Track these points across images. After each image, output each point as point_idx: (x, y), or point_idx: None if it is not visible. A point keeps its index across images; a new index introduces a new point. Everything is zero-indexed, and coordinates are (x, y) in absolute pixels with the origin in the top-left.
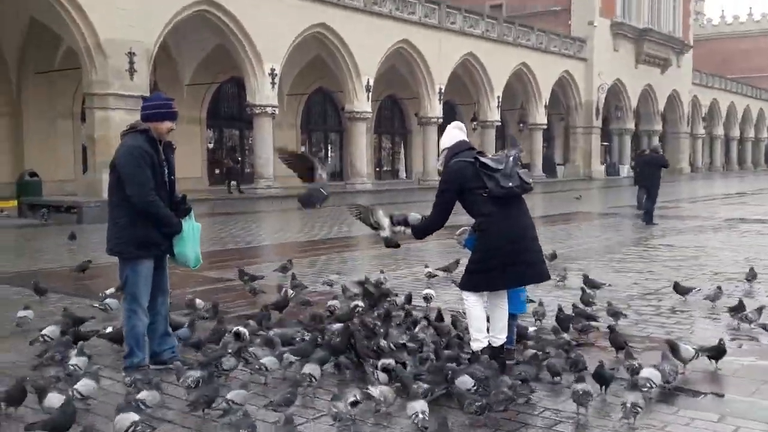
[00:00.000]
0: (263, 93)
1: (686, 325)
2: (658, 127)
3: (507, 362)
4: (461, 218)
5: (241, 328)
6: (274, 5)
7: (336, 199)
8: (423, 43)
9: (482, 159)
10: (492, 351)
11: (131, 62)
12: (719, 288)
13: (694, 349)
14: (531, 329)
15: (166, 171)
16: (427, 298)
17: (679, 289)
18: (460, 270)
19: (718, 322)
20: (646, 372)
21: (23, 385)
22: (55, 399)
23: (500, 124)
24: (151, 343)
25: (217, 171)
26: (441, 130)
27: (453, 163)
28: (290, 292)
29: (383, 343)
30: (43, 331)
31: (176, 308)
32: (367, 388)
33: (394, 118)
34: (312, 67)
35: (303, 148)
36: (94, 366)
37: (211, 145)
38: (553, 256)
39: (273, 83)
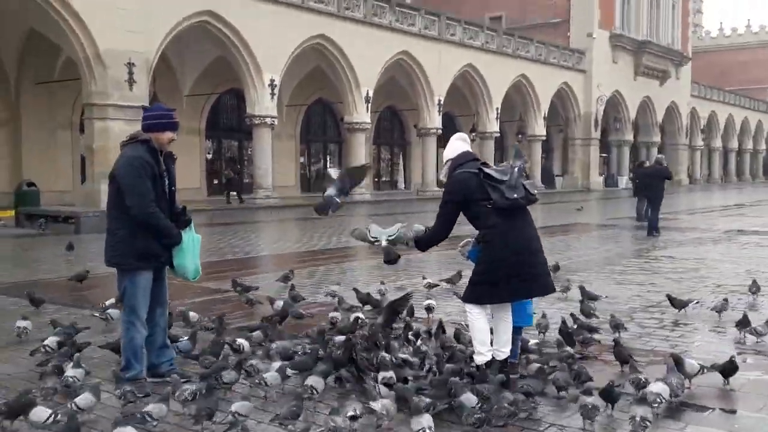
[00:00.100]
0: (263, 104)
1: (690, 338)
2: (657, 138)
3: (511, 376)
4: (464, 228)
5: (240, 340)
6: (274, 16)
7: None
8: (423, 55)
9: (486, 170)
10: (496, 364)
11: (131, 73)
12: (725, 300)
13: (699, 364)
14: (532, 342)
15: (167, 182)
16: (429, 309)
17: (675, 303)
18: (463, 282)
19: (723, 336)
20: (655, 386)
21: (27, 398)
22: (41, 413)
23: (499, 135)
24: (149, 355)
25: (215, 181)
26: (440, 141)
27: (457, 173)
28: (279, 303)
29: (384, 356)
30: (45, 342)
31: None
32: (369, 403)
33: (394, 129)
34: (311, 78)
35: (302, 159)
36: (95, 380)
37: (210, 156)
38: (556, 268)
39: (273, 94)
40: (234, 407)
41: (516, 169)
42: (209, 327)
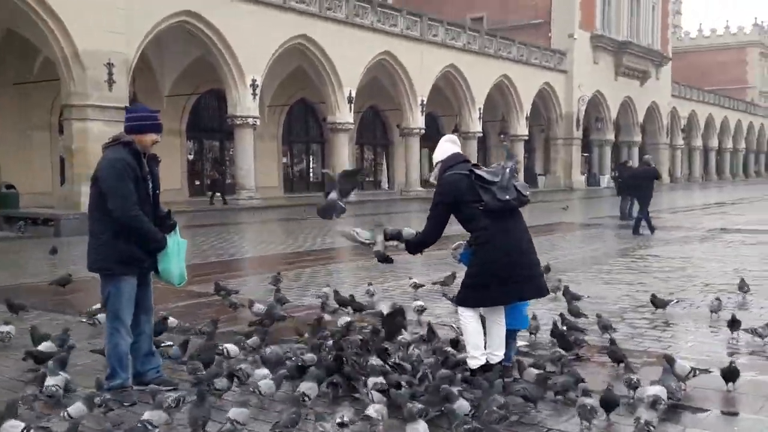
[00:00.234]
0: (244, 104)
1: (683, 338)
2: (638, 138)
3: (505, 380)
4: (453, 227)
5: (227, 345)
6: (256, 17)
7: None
8: (405, 55)
9: (477, 171)
10: (497, 369)
11: (110, 73)
12: (719, 299)
13: (690, 366)
14: (521, 343)
15: (150, 185)
16: (419, 310)
17: (657, 302)
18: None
19: (716, 336)
20: (654, 389)
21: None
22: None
23: (482, 135)
24: (134, 362)
25: (197, 182)
26: (423, 140)
27: (447, 175)
28: (259, 306)
29: (374, 361)
30: (39, 348)
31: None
32: (364, 411)
33: (376, 129)
34: (293, 78)
35: (284, 159)
36: (79, 388)
37: (191, 157)
38: (547, 269)
39: (254, 94)
40: (231, 414)
41: (508, 171)
42: (203, 332)
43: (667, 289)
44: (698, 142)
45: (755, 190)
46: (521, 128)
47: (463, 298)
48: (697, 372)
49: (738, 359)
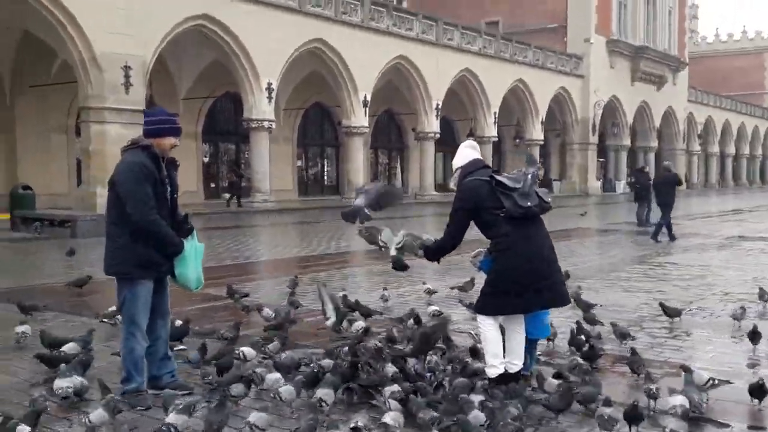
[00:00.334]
0: (260, 108)
1: (703, 348)
2: (654, 143)
3: (528, 391)
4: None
5: (243, 349)
6: (271, 21)
7: (336, 213)
8: (420, 59)
9: (499, 177)
10: (507, 377)
11: (127, 76)
12: (743, 308)
13: (709, 376)
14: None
15: (169, 189)
16: (435, 316)
17: (669, 312)
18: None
19: (737, 346)
20: (674, 399)
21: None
22: None
23: (497, 140)
24: (150, 367)
25: (212, 185)
26: (437, 145)
27: (468, 181)
28: (268, 311)
29: (389, 368)
30: (62, 349)
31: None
32: (379, 418)
33: (391, 133)
34: (309, 82)
35: (299, 162)
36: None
37: (206, 159)
38: (566, 276)
39: (270, 98)
40: (251, 418)
41: (529, 176)
42: (226, 337)
43: (687, 298)
44: (715, 148)
45: None
46: (536, 133)
47: (483, 306)
48: (716, 382)
49: (759, 371)
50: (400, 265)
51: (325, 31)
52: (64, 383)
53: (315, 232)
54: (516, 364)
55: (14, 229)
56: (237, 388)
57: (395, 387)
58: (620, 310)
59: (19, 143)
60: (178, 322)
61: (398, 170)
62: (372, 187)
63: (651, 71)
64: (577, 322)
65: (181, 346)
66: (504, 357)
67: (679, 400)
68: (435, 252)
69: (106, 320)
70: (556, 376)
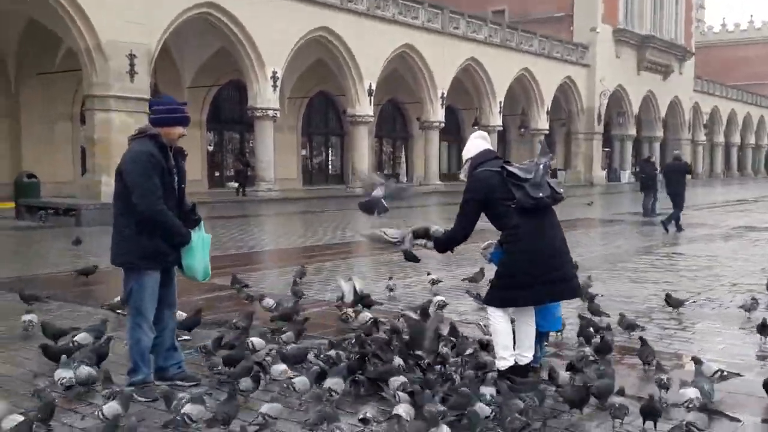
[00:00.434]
0: (265, 96)
1: (712, 340)
2: (660, 133)
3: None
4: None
5: (252, 339)
6: (276, 9)
7: (341, 202)
8: (426, 48)
9: (509, 168)
10: (517, 370)
11: (132, 64)
12: (754, 299)
13: (718, 368)
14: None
15: (176, 179)
16: (441, 306)
17: (672, 302)
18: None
19: (747, 337)
20: (691, 392)
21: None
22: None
23: (502, 129)
24: (156, 358)
25: (216, 174)
26: (442, 134)
27: (478, 172)
28: (269, 301)
29: (397, 361)
30: (75, 338)
31: (206, 326)
32: (388, 410)
33: (396, 122)
34: (313, 70)
35: (303, 151)
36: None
37: (211, 148)
38: (575, 267)
39: (275, 86)
40: (264, 409)
41: (541, 167)
42: (238, 326)
43: (695, 289)
44: (720, 138)
45: None
46: (542, 122)
47: (493, 298)
48: (726, 374)
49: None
50: (410, 256)
51: (331, 20)
52: (64, 373)
53: (319, 221)
54: (526, 356)
55: (19, 217)
56: (245, 383)
57: (402, 378)
58: (628, 301)
59: (23, 131)
60: (182, 314)
61: (402, 159)
62: (389, 182)
63: (657, 61)
64: (580, 315)
65: (185, 336)
66: (514, 349)
67: (694, 393)
68: (445, 243)
69: (114, 310)
70: (569, 368)
